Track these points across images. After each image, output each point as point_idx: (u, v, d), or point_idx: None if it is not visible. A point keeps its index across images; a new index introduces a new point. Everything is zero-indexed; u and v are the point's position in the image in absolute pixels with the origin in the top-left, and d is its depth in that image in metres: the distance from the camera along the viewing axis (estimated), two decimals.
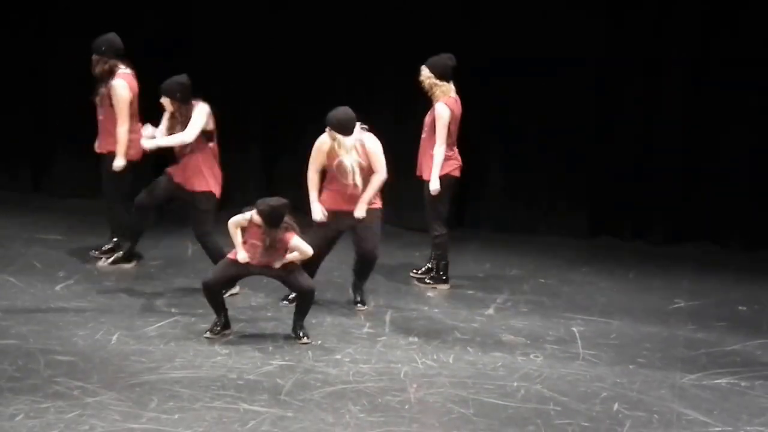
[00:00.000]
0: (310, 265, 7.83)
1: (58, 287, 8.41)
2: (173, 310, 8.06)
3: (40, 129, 10.62)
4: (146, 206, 8.51)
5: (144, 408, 6.58)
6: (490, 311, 8.42)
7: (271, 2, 10.27)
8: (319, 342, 7.65)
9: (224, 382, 6.97)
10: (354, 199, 7.98)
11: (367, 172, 7.96)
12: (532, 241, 10.07)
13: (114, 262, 8.69)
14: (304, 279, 7.60)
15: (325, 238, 8.04)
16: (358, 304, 8.26)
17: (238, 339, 7.54)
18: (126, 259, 8.74)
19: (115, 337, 7.56)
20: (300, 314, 7.63)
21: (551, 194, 10.24)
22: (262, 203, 7.40)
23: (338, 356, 7.44)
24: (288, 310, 7.96)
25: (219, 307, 7.59)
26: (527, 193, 10.20)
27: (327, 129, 7.91)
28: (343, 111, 7.91)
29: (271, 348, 7.51)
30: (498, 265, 9.46)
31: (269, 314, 8.06)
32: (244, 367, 7.16)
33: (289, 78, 10.27)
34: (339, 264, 8.99)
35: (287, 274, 7.54)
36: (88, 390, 6.76)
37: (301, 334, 7.60)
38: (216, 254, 8.10)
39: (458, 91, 8.61)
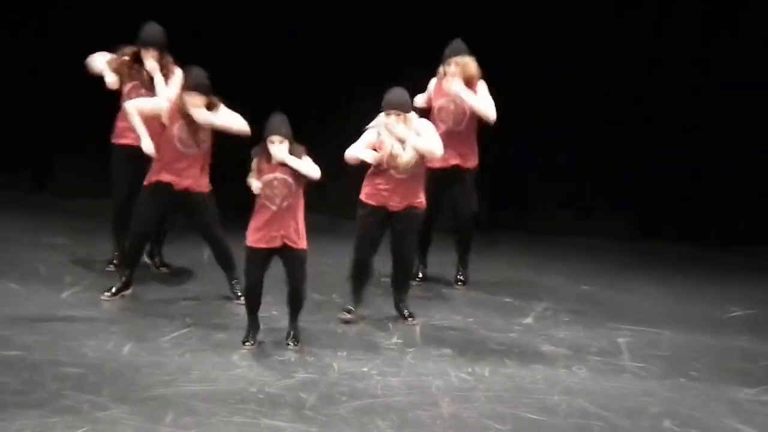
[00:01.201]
0: (363, 268, 8.09)
1: (64, 294, 8.46)
2: (188, 319, 8.09)
3: (41, 129, 10.80)
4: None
5: (158, 423, 6.59)
6: (529, 320, 8.47)
7: (271, 3, 10.49)
8: (345, 353, 7.68)
9: (244, 395, 6.99)
10: (400, 192, 8.05)
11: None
12: (573, 244, 10.13)
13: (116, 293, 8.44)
14: (303, 274, 7.67)
15: (369, 233, 8.13)
16: (409, 318, 8.27)
17: (258, 350, 7.56)
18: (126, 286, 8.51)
19: (126, 348, 7.59)
20: (292, 312, 7.73)
21: (593, 194, 10.37)
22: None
23: (365, 369, 7.47)
24: (313, 319, 8.05)
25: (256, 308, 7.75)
26: (567, 193, 10.28)
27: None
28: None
29: (293, 359, 7.54)
30: (537, 271, 9.50)
31: None
32: (264, 379, 7.18)
33: (290, 79, 10.44)
34: None
35: (294, 260, 7.60)
36: (99, 404, 6.77)
37: (291, 335, 7.73)
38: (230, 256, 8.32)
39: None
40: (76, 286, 8.58)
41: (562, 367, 7.64)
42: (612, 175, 10.30)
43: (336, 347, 7.75)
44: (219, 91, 10.01)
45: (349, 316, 8.20)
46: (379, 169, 8.04)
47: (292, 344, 7.70)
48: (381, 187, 8.08)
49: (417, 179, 8.07)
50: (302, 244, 7.64)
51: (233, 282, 8.46)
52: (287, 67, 10.48)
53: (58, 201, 10.45)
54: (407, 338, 8.01)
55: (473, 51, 9.71)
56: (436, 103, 8.76)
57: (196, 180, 8.26)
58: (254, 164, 7.64)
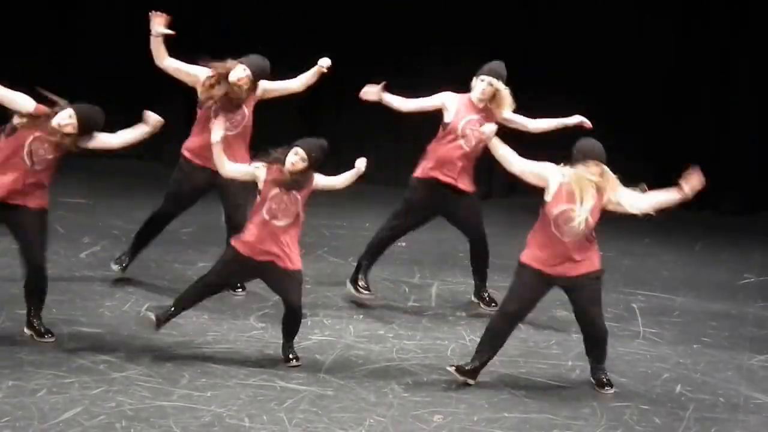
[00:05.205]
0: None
1: (82, 254, 8.48)
2: None
3: (62, 82, 10.78)
4: None
5: (174, 384, 6.62)
6: None
7: (272, 4, 10.53)
8: (361, 316, 7.68)
9: (260, 357, 7.01)
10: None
11: None
12: None
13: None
14: (298, 294, 6.99)
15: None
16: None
17: (275, 312, 7.52)
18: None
19: (143, 309, 7.58)
20: (288, 336, 7.05)
21: (608, 156, 10.23)
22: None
23: (381, 332, 7.50)
24: (329, 282, 8.00)
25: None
26: None
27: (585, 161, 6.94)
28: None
29: (310, 322, 7.50)
30: None
31: (308, 286, 7.96)
32: (281, 342, 7.13)
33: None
34: None
35: (286, 279, 6.89)
36: (115, 365, 6.80)
37: (290, 356, 7.03)
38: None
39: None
40: (94, 246, 8.59)
41: (576, 332, 7.48)
42: (630, 140, 10.07)
43: (352, 310, 7.74)
44: None
45: None
46: (547, 230, 6.90)
47: (294, 361, 6.98)
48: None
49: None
50: (297, 264, 6.88)
51: (37, 318, 7.11)
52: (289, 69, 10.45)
53: (77, 160, 10.32)
54: (423, 301, 8.00)
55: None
56: (461, 121, 7.78)
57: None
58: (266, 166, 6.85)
